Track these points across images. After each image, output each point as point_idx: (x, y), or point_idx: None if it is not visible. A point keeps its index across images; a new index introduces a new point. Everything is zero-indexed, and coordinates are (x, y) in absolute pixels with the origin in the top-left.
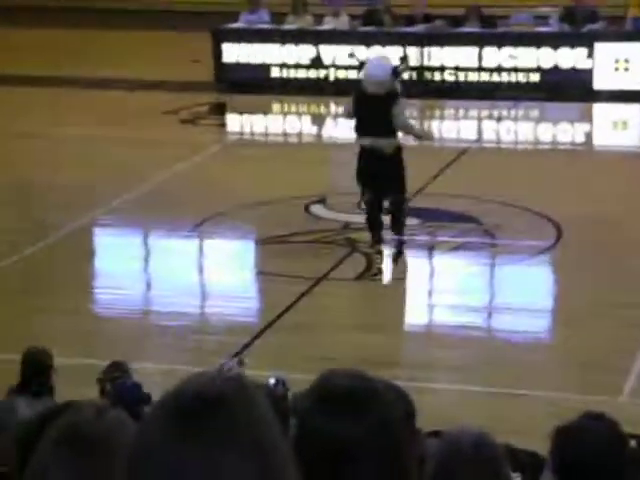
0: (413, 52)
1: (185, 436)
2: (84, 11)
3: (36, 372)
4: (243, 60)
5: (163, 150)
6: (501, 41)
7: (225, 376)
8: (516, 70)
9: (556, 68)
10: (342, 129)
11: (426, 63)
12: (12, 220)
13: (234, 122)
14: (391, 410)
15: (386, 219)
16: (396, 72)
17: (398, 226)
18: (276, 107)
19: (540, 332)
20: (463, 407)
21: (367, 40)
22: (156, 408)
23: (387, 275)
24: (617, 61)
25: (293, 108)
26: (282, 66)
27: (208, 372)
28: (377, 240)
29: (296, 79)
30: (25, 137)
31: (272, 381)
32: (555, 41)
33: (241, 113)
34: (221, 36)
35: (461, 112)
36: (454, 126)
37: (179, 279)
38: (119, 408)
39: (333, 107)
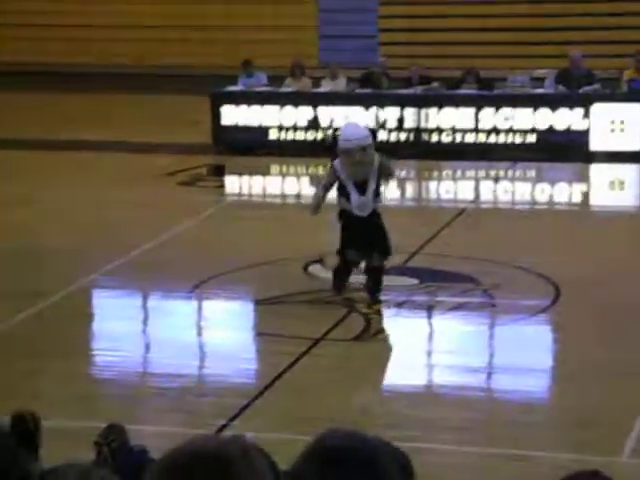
0: (411, 114)
1: None
2: (85, 75)
3: (20, 440)
4: (241, 123)
5: (162, 212)
6: (498, 103)
7: (227, 438)
8: (513, 131)
9: (552, 129)
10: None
11: (423, 125)
12: (9, 284)
13: (232, 184)
14: (389, 471)
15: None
16: (373, 132)
17: (377, 289)
18: (274, 169)
19: (540, 392)
20: (463, 468)
21: (364, 102)
22: (155, 466)
23: (386, 335)
24: (613, 122)
25: (291, 170)
26: (280, 128)
27: (212, 435)
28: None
29: (294, 141)
30: (23, 201)
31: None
32: (551, 103)
33: (239, 175)
34: (220, 99)
35: (458, 173)
36: (451, 187)
37: (177, 341)
38: (107, 471)
39: None
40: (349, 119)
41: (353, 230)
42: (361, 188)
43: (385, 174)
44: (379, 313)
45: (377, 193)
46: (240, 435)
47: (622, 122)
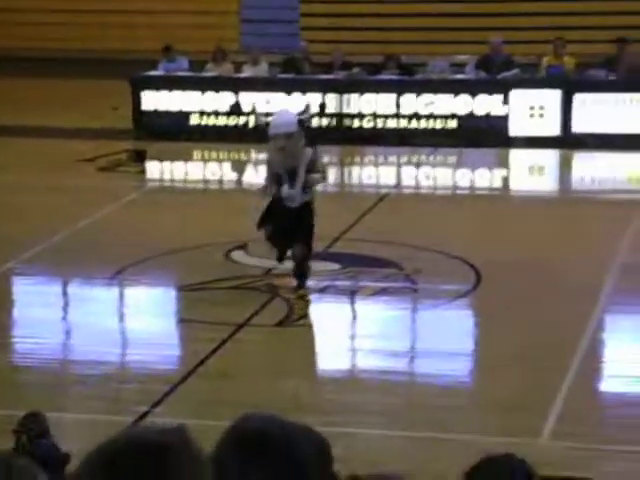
0: (332, 99)
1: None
2: (2, 58)
3: None
4: (162, 108)
5: (82, 198)
6: (419, 88)
7: (166, 427)
8: (433, 117)
9: (472, 115)
10: (262, 175)
11: (345, 110)
12: None
13: (153, 169)
14: (306, 455)
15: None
16: (301, 122)
17: (301, 276)
18: (196, 154)
19: (460, 376)
20: (385, 451)
21: (286, 87)
22: (92, 455)
23: (309, 320)
24: (532, 108)
25: (213, 155)
26: (201, 113)
27: (150, 424)
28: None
29: (215, 126)
30: None
31: None
32: (471, 88)
33: (160, 160)
34: (140, 84)
35: (380, 158)
36: (373, 172)
37: (98, 328)
38: (27, 459)
39: (253, 154)
40: (270, 104)
41: (276, 216)
42: (292, 179)
43: (316, 172)
44: (303, 299)
45: (307, 185)
46: (180, 424)
47: (541, 107)
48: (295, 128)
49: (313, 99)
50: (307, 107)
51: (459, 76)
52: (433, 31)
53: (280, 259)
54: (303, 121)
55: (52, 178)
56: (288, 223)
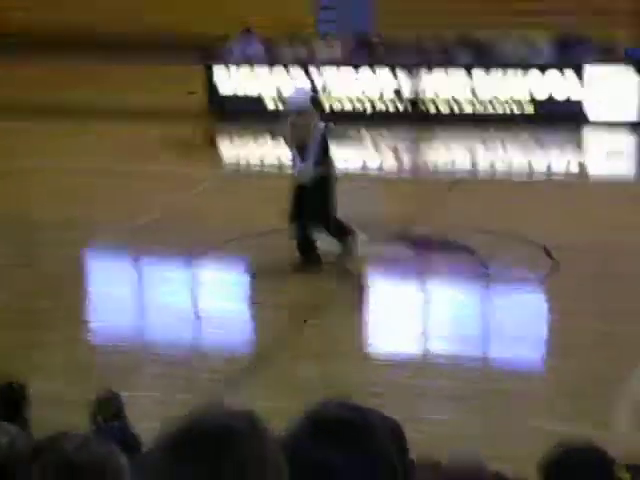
0: (406, 82)
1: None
2: (81, 45)
3: (5, 408)
4: (238, 91)
5: (158, 182)
6: (494, 70)
7: (235, 412)
8: (509, 100)
9: (549, 98)
10: (339, 159)
11: (419, 93)
12: (7, 254)
13: (228, 153)
14: (383, 441)
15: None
16: (314, 99)
17: (344, 246)
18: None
19: (534, 362)
20: (456, 438)
21: (360, 70)
22: (162, 439)
23: (381, 304)
24: (610, 91)
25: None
26: (277, 97)
27: (220, 407)
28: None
29: None
30: (20, 171)
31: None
32: (548, 70)
33: (235, 144)
34: (215, 68)
35: (455, 141)
36: (448, 155)
37: (174, 309)
38: (105, 440)
39: None
40: (347, 87)
41: (296, 199)
42: (303, 154)
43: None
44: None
45: (319, 162)
46: (248, 409)
47: (619, 90)
48: (305, 104)
49: (387, 82)
50: (313, 86)
51: (535, 58)
52: (508, 14)
53: (307, 261)
54: (315, 98)
55: (129, 162)
56: (302, 203)
